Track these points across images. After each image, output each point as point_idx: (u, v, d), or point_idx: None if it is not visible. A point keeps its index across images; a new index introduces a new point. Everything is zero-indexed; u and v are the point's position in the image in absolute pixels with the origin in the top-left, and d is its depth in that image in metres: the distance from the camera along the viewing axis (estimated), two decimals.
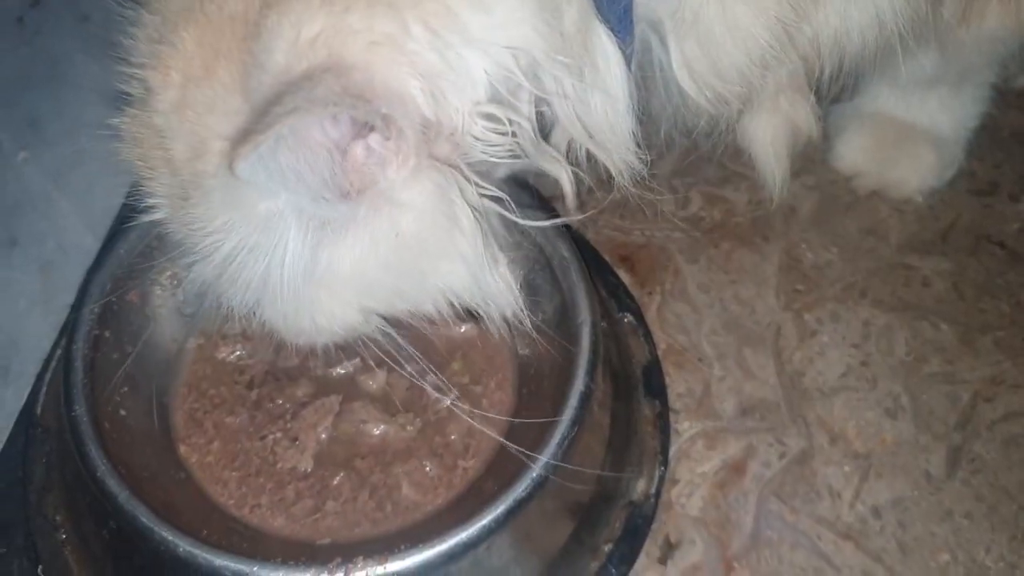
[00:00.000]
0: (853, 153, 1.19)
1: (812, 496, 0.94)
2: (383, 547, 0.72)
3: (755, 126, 0.87)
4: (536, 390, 0.88)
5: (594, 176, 0.75)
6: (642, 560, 0.88)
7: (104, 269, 0.86)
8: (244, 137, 0.57)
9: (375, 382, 0.89)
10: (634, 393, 0.97)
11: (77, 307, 0.85)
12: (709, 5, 0.70)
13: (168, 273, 0.88)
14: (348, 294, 0.69)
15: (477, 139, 0.65)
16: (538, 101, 0.68)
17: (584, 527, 0.84)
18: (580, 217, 0.79)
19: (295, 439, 0.86)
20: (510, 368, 0.91)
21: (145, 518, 0.72)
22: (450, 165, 0.65)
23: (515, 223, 0.74)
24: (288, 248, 0.66)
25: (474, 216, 0.67)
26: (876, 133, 1.18)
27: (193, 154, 0.64)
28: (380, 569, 0.71)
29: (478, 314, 0.77)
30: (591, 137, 0.72)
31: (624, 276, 1.09)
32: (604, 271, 1.08)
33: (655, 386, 0.98)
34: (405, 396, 0.89)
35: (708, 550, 0.90)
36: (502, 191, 0.70)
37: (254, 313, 0.71)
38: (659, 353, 1.02)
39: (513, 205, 0.72)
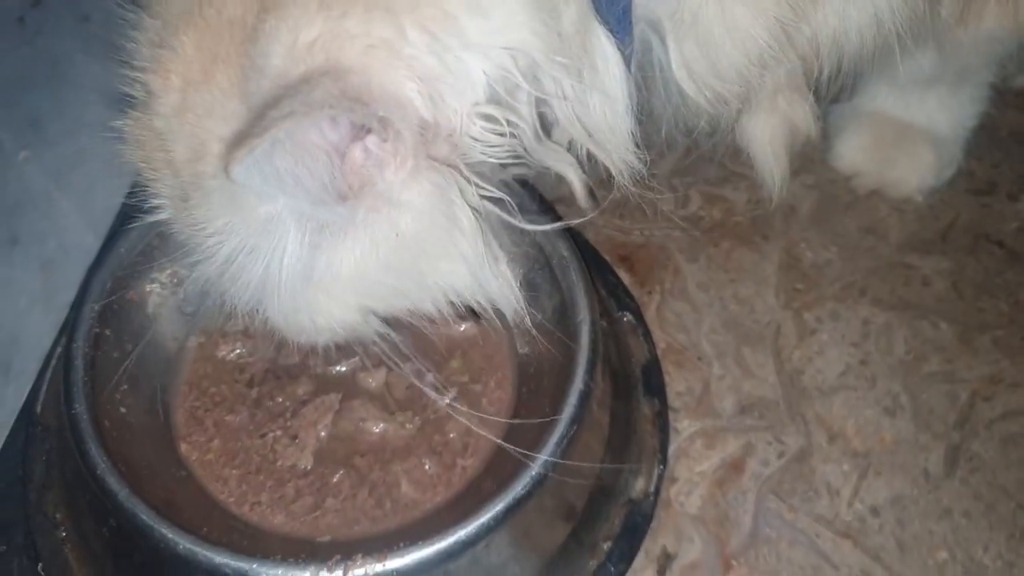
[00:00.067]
0: (852, 153, 1.19)
1: (811, 494, 0.94)
2: (382, 545, 0.72)
3: (754, 126, 0.87)
4: (536, 389, 0.88)
5: (594, 176, 0.76)
6: (641, 558, 0.88)
7: (105, 268, 0.87)
8: (240, 140, 0.57)
9: (375, 380, 0.89)
10: (633, 392, 0.97)
11: (78, 305, 0.85)
12: (708, 6, 0.70)
13: (168, 272, 0.89)
14: (348, 295, 0.70)
15: (476, 140, 0.65)
16: (538, 102, 0.68)
17: (583, 525, 0.84)
18: (581, 220, 0.79)
19: (295, 437, 0.86)
20: (510, 367, 0.92)
21: (145, 516, 0.72)
22: (449, 166, 0.65)
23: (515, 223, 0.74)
24: (287, 250, 0.66)
25: (474, 216, 0.68)
26: (875, 133, 1.18)
27: (193, 156, 0.64)
28: (379, 567, 0.71)
29: (478, 313, 0.77)
30: (591, 137, 0.72)
31: (624, 275, 1.09)
32: (604, 270, 1.08)
33: (654, 385, 0.99)
34: (405, 394, 0.89)
35: (707, 548, 0.90)
36: (503, 192, 0.71)
37: (256, 312, 0.71)
38: (658, 352, 1.02)
39: (514, 206, 0.72)
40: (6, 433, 0.94)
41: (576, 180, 0.74)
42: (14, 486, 0.88)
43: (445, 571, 0.73)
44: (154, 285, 0.89)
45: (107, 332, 0.84)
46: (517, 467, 0.76)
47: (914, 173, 1.17)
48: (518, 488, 0.74)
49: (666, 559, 0.89)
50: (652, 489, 0.91)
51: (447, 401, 0.87)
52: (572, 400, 0.79)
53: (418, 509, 0.82)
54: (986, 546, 0.91)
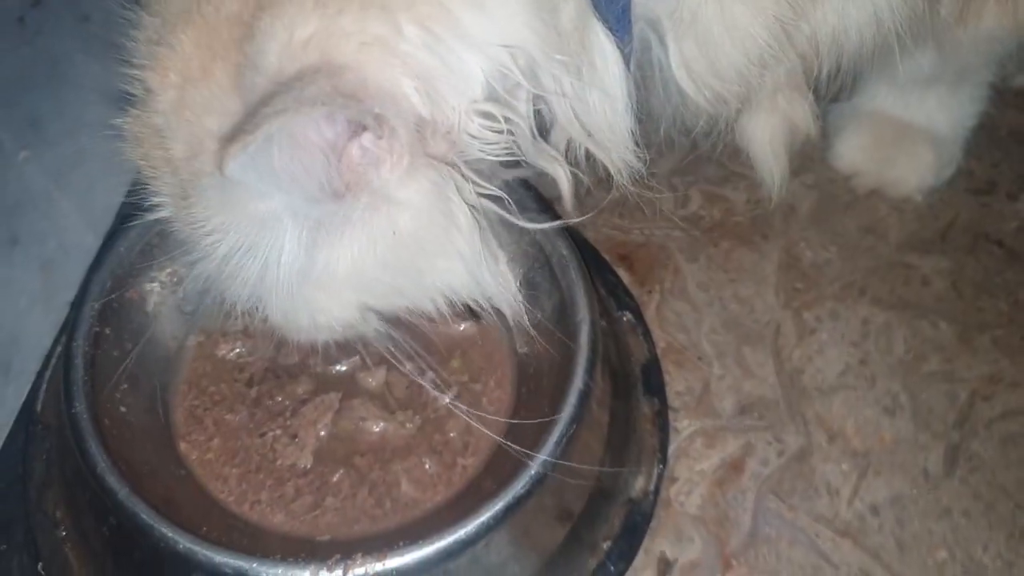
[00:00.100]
0: (852, 152, 1.19)
1: (810, 494, 0.94)
2: (382, 544, 0.72)
3: (753, 125, 0.87)
4: (535, 388, 0.88)
5: (593, 175, 0.76)
6: (640, 558, 0.88)
7: (104, 267, 0.87)
8: (233, 137, 0.57)
9: (375, 379, 0.89)
10: (633, 391, 0.97)
11: (77, 304, 0.85)
12: (707, 5, 0.70)
13: (168, 271, 0.89)
14: (346, 292, 0.70)
15: (474, 137, 0.65)
16: (536, 100, 0.68)
17: (583, 524, 0.84)
18: (580, 219, 0.79)
19: (295, 436, 0.86)
20: (509, 366, 0.92)
21: (145, 514, 0.72)
22: (447, 163, 0.65)
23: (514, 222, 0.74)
24: (285, 248, 0.66)
25: (471, 214, 0.68)
26: (875, 132, 1.18)
27: (191, 154, 0.64)
28: (379, 566, 0.71)
29: (478, 312, 0.77)
30: (590, 136, 0.72)
31: (623, 275, 1.09)
32: (603, 270, 1.08)
33: (654, 384, 0.99)
34: (404, 394, 0.89)
35: (707, 548, 0.90)
36: (502, 191, 0.71)
37: (255, 310, 0.72)
38: (658, 351, 1.02)
39: (512, 205, 0.72)
40: (6, 432, 0.94)
41: (565, 182, 0.74)
42: (14, 485, 0.88)
43: (445, 570, 0.73)
44: (154, 284, 0.89)
45: (107, 331, 0.84)
46: (517, 466, 0.76)
47: (914, 172, 1.17)
48: (518, 487, 0.74)
49: (666, 561, 0.89)
50: (652, 488, 0.91)
51: (448, 399, 0.87)
52: (572, 399, 0.79)
53: (418, 508, 0.82)
54: (985, 545, 0.91)
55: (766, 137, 0.87)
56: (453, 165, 0.66)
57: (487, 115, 0.65)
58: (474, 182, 0.67)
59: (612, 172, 0.74)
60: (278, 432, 0.86)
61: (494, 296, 0.74)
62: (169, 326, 0.90)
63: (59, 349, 0.95)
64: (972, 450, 0.97)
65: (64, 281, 1.04)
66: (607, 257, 1.11)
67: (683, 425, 0.98)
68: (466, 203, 0.67)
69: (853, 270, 1.11)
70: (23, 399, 0.96)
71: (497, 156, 0.67)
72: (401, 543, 0.71)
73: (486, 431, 0.84)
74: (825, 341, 1.05)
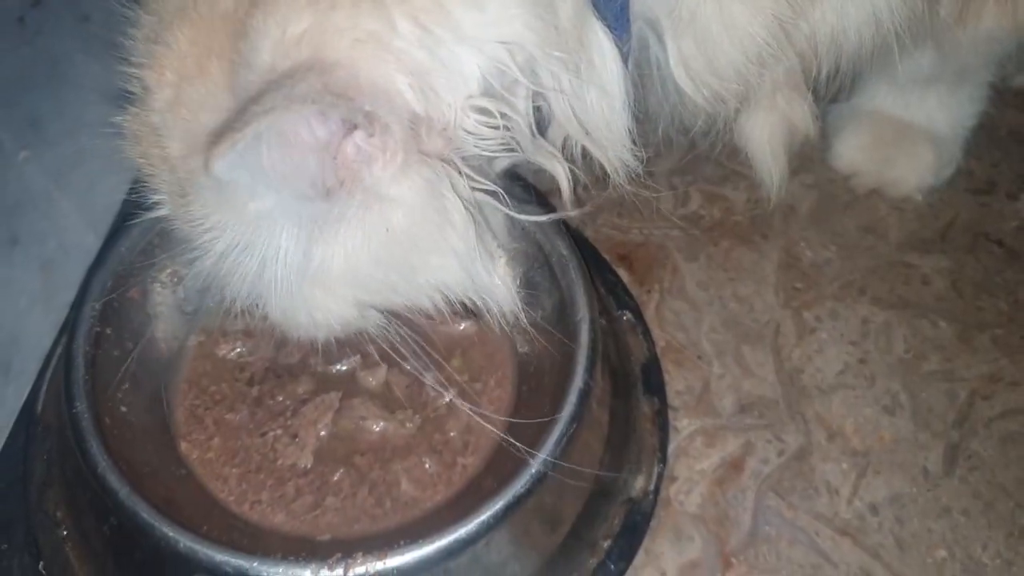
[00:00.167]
0: (851, 152, 1.19)
1: (810, 493, 0.94)
2: (382, 543, 0.72)
3: (752, 125, 0.87)
4: (535, 387, 0.88)
5: (590, 174, 0.76)
6: (640, 557, 0.88)
7: (105, 267, 0.87)
8: (221, 135, 0.57)
9: (375, 379, 0.89)
10: (633, 391, 0.97)
11: (78, 304, 0.85)
12: (706, 3, 0.70)
13: (169, 271, 0.89)
14: (343, 289, 0.70)
15: (469, 133, 0.65)
16: (535, 96, 0.68)
17: (583, 524, 0.84)
18: (576, 213, 0.79)
19: (295, 436, 0.86)
20: (510, 365, 0.92)
21: (146, 514, 0.72)
22: (442, 160, 0.65)
23: (512, 219, 0.74)
24: (280, 246, 0.66)
25: (466, 211, 0.68)
26: (874, 132, 1.18)
27: (187, 151, 0.64)
28: (380, 565, 0.71)
29: (477, 311, 0.77)
30: (587, 134, 0.72)
31: (623, 274, 1.09)
32: (603, 269, 1.08)
33: (654, 383, 0.99)
34: (405, 393, 0.89)
35: (706, 546, 0.90)
36: (498, 186, 0.71)
37: (255, 308, 0.72)
38: (658, 351, 1.02)
39: (508, 199, 0.72)
40: (7, 432, 0.94)
41: (563, 178, 0.74)
42: (15, 485, 0.88)
43: (445, 569, 0.73)
44: (155, 284, 0.89)
45: (108, 331, 0.84)
46: (517, 465, 0.76)
47: (913, 172, 1.17)
48: (518, 486, 0.74)
49: (666, 557, 0.89)
50: (652, 488, 0.91)
51: (449, 397, 0.87)
52: (572, 398, 0.79)
53: (418, 507, 0.82)
54: (985, 544, 0.91)
55: (765, 137, 0.87)
56: (448, 161, 0.66)
57: (483, 111, 0.65)
58: (469, 177, 0.67)
59: (609, 171, 0.74)
60: (278, 432, 0.87)
61: (488, 293, 0.74)
62: (170, 326, 0.90)
63: (59, 349, 0.95)
64: (971, 449, 0.97)
65: (64, 281, 1.04)
66: (607, 256, 1.11)
67: (683, 424, 0.98)
68: (461, 199, 0.67)
69: (853, 269, 1.11)
70: (23, 399, 0.96)
71: (494, 152, 0.67)
72: (401, 542, 0.72)
73: (487, 426, 0.84)
74: (825, 340, 1.05)
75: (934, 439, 0.98)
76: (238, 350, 0.92)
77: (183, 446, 0.86)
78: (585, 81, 0.69)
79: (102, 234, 1.09)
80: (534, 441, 0.77)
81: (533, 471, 0.75)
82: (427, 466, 0.84)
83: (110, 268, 0.87)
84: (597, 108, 0.71)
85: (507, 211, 0.73)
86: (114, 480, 0.74)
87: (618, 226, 1.14)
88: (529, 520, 0.78)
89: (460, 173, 0.67)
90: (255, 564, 0.70)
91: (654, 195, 1.05)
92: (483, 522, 0.73)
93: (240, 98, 0.60)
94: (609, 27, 0.69)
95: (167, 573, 0.75)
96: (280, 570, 0.70)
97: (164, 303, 0.90)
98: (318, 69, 0.58)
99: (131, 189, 0.75)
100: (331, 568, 0.70)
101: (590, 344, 0.83)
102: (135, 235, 0.87)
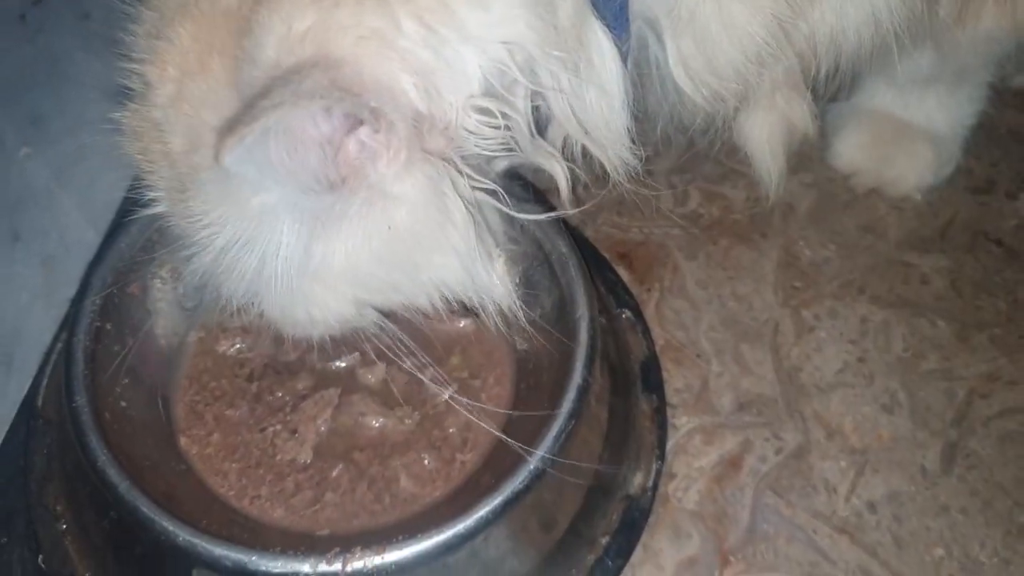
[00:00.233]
0: (851, 151, 1.19)
1: (808, 491, 0.94)
2: (381, 538, 0.72)
3: (751, 124, 0.87)
4: (534, 384, 0.88)
5: (590, 172, 0.76)
6: (639, 553, 0.88)
7: (105, 262, 0.87)
8: (231, 129, 0.57)
9: (374, 375, 0.89)
10: (632, 388, 0.97)
11: (78, 300, 0.86)
12: (705, 3, 0.70)
13: (169, 266, 0.89)
14: (342, 287, 0.70)
15: (471, 132, 0.65)
16: (534, 96, 0.68)
17: (581, 520, 0.84)
18: (575, 211, 0.79)
19: (295, 431, 0.86)
20: (509, 363, 0.92)
21: (146, 508, 0.72)
22: (443, 158, 0.66)
23: (512, 217, 0.74)
24: (282, 242, 0.66)
25: (467, 210, 0.68)
26: (874, 131, 1.18)
27: (189, 147, 0.65)
28: (378, 560, 0.71)
29: (477, 309, 0.77)
30: (587, 133, 0.72)
31: (623, 273, 1.10)
32: (603, 268, 1.08)
33: (653, 381, 0.99)
34: (404, 389, 0.89)
35: (704, 544, 0.90)
36: (498, 185, 0.71)
37: (252, 304, 0.72)
38: (657, 349, 1.02)
39: (508, 198, 0.72)
40: (7, 426, 0.95)
41: (562, 178, 0.74)
42: (15, 478, 0.88)
43: (444, 564, 0.73)
44: (155, 279, 0.89)
45: (108, 326, 0.84)
46: (516, 462, 0.76)
47: (913, 171, 1.17)
48: (516, 482, 0.75)
49: (664, 554, 0.89)
50: (650, 485, 0.91)
51: (448, 394, 0.87)
52: (571, 395, 0.79)
53: (417, 503, 0.83)
54: (983, 543, 0.91)
55: (764, 135, 0.87)
56: (449, 160, 0.66)
57: (484, 111, 0.65)
58: (470, 177, 0.68)
59: (608, 169, 0.75)
60: (278, 427, 0.87)
61: (489, 292, 0.74)
62: (170, 322, 0.90)
63: (60, 344, 0.96)
64: (970, 448, 0.97)
65: (65, 277, 1.05)
66: (606, 255, 1.11)
67: (682, 422, 0.98)
68: (462, 198, 0.67)
69: (852, 268, 1.12)
70: (24, 393, 0.97)
71: (494, 152, 0.67)
72: (400, 537, 0.72)
73: (484, 425, 0.85)
74: (824, 339, 1.06)
75: (932, 438, 0.98)
76: (238, 346, 0.92)
77: (183, 441, 0.86)
78: (584, 80, 0.69)
79: (102, 230, 1.09)
80: (533, 438, 0.77)
81: (532, 467, 0.75)
82: (426, 462, 0.85)
83: (110, 264, 0.87)
84: (596, 107, 0.71)
85: (507, 210, 0.73)
86: (114, 474, 0.74)
87: (618, 224, 1.15)
88: (527, 516, 0.78)
89: (461, 172, 0.67)
90: (254, 558, 0.70)
91: (653, 194, 1.05)
92: (481, 518, 0.73)
93: (244, 94, 0.60)
94: (608, 26, 0.69)
95: (167, 567, 0.75)
96: (279, 564, 0.70)
97: (164, 299, 0.90)
98: (323, 65, 0.59)
99: (131, 186, 0.75)
100: (329, 562, 0.71)
101: (589, 342, 0.83)
102: (135, 231, 0.88)
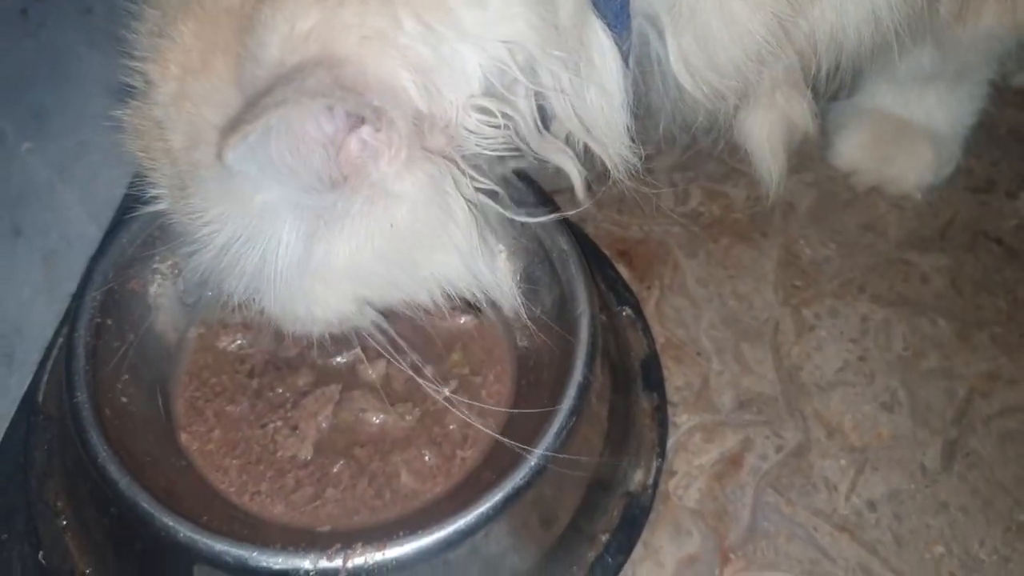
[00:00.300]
0: (851, 150, 1.19)
1: (809, 489, 0.94)
2: (382, 534, 0.72)
3: (751, 122, 0.87)
4: (535, 381, 0.88)
5: (591, 170, 0.76)
6: (639, 550, 0.89)
7: (106, 258, 0.87)
8: (233, 126, 0.57)
9: (375, 372, 0.89)
10: (632, 386, 0.97)
11: (79, 295, 0.86)
12: (706, 0, 0.70)
13: (170, 262, 0.89)
14: (343, 284, 0.70)
15: (471, 132, 0.65)
16: (537, 95, 0.68)
17: (582, 517, 0.84)
18: (576, 211, 0.79)
19: (295, 427, 0.86)
20: (509, 360, 0.92)
21: (146, 504, 0.72)
22: (444, 157, 0.66)
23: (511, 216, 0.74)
24: (283, 239, 0.66)
25: (468, 208, 0.68)
26: (874, 130, 1.18)
27: (190, 144, 0.65)
28: (379, 555, 0.71)
29: (477, 307, 0.78)
30: (588, 132, 0.72)
31: (623, 270, 1.10)
32: (603, 265, 1.08)
33: (653, 379, 0.99)
34: (404, 386, 0.89)
35: (705, 541, 0.91)
36: (499, 185, 0.71)
37: (252, 301, 0.72)
38: (658, 347, 1.02)
39: (508, 199, 0.72)
40: (8, 422, 0.95)
41: (575, 173, 0.74)
42: (16, 474, 0.88)
43: (444, 560, 0.73)
44: (155, 275, 0.89)
45: (108, 322, 0.84)
46: (516, 458, 0.76)
47: (913, 170, 1.17)
48: (517, 479, 0.75)
49: (664, 551, 0.89)
50: (651, 482, 0.91)
51: (446, 394, 0.87)
52: (571, 392, 0.79)
53: (417, 499, 0.83)
54: (982, 541, 0.91)
55: (764, 134, 0.87)
56: (451, 159, 0.66)
57: (484, 110, 0.65)
58: (471, 176, 0.68)
59: (609, 167, 0.74)
60: (279, 423, 0.87)
61: (490, 290, 0.74)
62: (170, 317, 0.90)
63: (61, 340, 0.96)
64: (970, 446, 0.97)
65: (66, 272, 1.05)
66: (607, 253, 1.11)
67: (682, 420, 0.99)
68: (463, 197, 0.67)
69: (852, 267, 1.12)
70: (25, 389, 0.96)
71: (495, 151, 0.67)
72: (400, 533, 0.72)
73: (484, 423, 0.85)
74: (824, 338, 1.06)
75: (932, 436, 0.98)
76: (238, 342, 0.92)
77: (183, 437, 0.86)
78: (585, 80, 0.69)
79: (104, 226, 1.09)
80: (533, 434, 0.77)
81: (532, 464, 0.75)
82: (426, 458, 0.85)
83: (111, 259, 0.87)
84: (597, 106, 0.71)
85: (508, 212, 0.73)
86: (114, 470, 0.74)
87: (618, 222, 1.15)
88: (528, 512, 0.78)
89: (462, 171, 0.67)
90: (255, 554, 0.70)
91: (654, 192, 1.05)
92: (482, 514, 0.73)
93: (247, 92, 0.60)
94: (609, 25, 0.69)
95: (167, 563, 0.75)
96: (280, 560, 0.71)
97: (165, 294, 0.90)
98: (327, 64, 0.59)
99: (133, 182, 0.75)
100: (330, 559, 0.71)
101: (590, 339, 0.83)
102: (136, 227, 0.87)
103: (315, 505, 0.82)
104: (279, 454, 0.85)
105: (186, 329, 0.92)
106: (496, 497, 0.73)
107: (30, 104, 1.23)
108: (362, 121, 0.62)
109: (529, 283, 0.89)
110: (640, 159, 0.75)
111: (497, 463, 0.81)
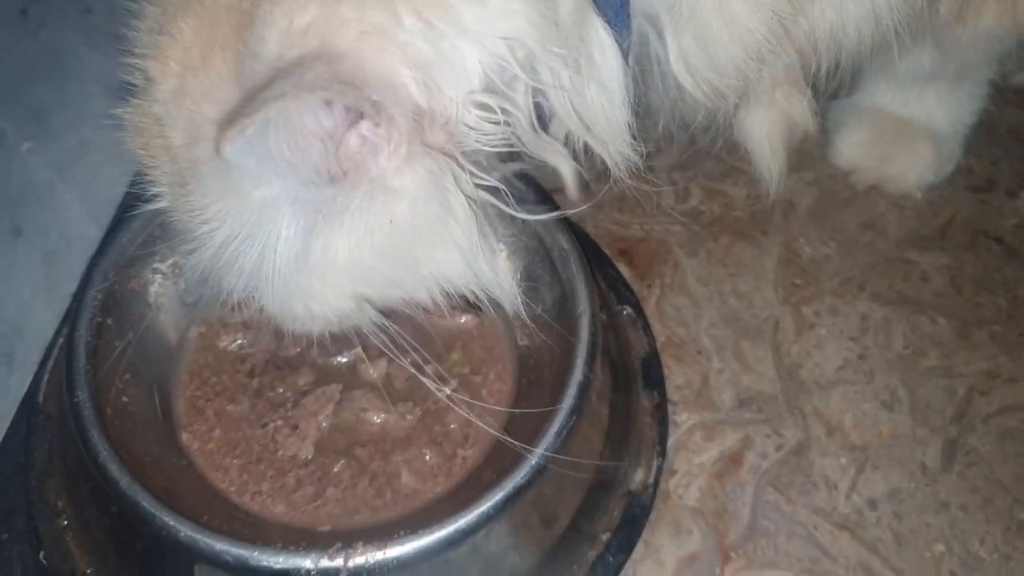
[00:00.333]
0: (851, 149, 1.20)
1: (809, 487, 0.94)
2: (383, 533, 0.72)
3: (751, 120, 0.87)
4: (535, 380, 0.88)
5: (591, 169, 0.76)
6: (640, 549, 0.89)
7: (106, 257, 0.87)
8: (232, 120, 0.57)
9: (376, 371, 0.89)
10: (633, 385, 0.97)
11: (79, 295, 0.86)
12: (706, 0, 0.70)
13: (170, 262, 0.89)
14: (342, 281, 0.70)
15: (471, 128, 0.65)
16: (535, 92, 0.68)
17: (582, 516, 0.84)
18: (577, 210, 0.79)
19: (296, 427, 0.86)
20: (510, 358, 0.92)
21: (147, 504, 0.72)
22: (444, 154, 0.66)
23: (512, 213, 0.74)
24: (282, 236, 0.66)
25: (468, 205, 0.68)
26: (874, 129, 1.18)
27: (190, 141, 0.65)
28: (380, 555, 0.71)
29: (478, 305, 0.77)
30: (588, 130, 0.72)
31: (623, 269, 1.10)
32: (604, 264, 1.08)
33: (654, 378, 0.99)
34: (405, 385, 0.89)
35: (705, 540, 0.91)
36: (500, 182, 0.71)
37: (251, 299, 0.72)
38: (658, 345, 1.02)
39: (510, 196, 0.72)
40: (9, 421, 0.94)
41: (569, 172, 0.74)
42: (16, 474, 0.88)
43: (445, 560, 0.73)
44: (156, 275, 0.89)
45: (109, 321, 0.84)
46: (517, 457, 0.76)
47: (913, 169, 1.17)
48: (518, 478, 0.75)
49: (665, 550, 0.89)
50: (651, 481, 0.91)
51: (447, 392, 0.87)
52: (572, 391, 0.79)
53: (418, 499, 0.83)
54: (982, 539, 0.91)
55: (764, 132, 0.87)
56: (451, 156, 0.66)
57: (484, 106, 0.65)
58: (472, 173, 0.67)
59: (610, 165, 0.74)
60: (279, 423, 0.87)
61: (490, 287, 0.74)
62: (171, 317, 0.90)
63: (61, 339, 0.96)
64: (970, 445, 0.97)
65: (67, 272, 1.05)
66: (607, 251, 1.11)
67: (682, 418, 0.99)
68: (463, 194, 0.67)
69: (852, 266, 1.12)
70: (25, 389, 0.96)
71: (495, 147, 0.67)
72: (401, 532, 0.72)
73: (483, 426, 0.85)
74: (824, 336, 1.06)
75: (932, 435, 0.98)
76: (239, 342, 0.92)
77: (184, 437, 0.86)
78: (585, 77, 0.69)
79: (104, 225, 1.09)
80: (534, 433, 0.77)
81: (533, 463, 0.75)
82: (427, 458, 0.85)
83: (111, 259, 0.87)
84: (597, 104, 0.71)
85: (508, 209, 0.73)
86: (115, 469, 0.74)
87: (619, 221, 1.15)
88: (528, 512, 0.78)
89: (462, 167, 0.67)
90: (256, 553, 0.71)
91: (655, 190, 1.05)
92: (483, 513, 0.73)
93: (246, 88, 0.60)
94: (609, 23, 0.69)
95: (168, 562, 0.75)
96: (280, 559, 0.71)
97: (165, 294, 0.90)
98: (326, 58, 0.59)
99: (133, 181, 0.75)
100: (331, 558, 0.71)
101: (590, 338, 0.83)
102: (136, 226, 0.88)
103: (316, 504, 0.82)
104: (280, 453, 0.85)
105: (187, 328, 0.92)
106: (497, 496, 0.74)
107: (30, 104, 1.23)
108: (361, 116, 0.62)
109: (529, 281, 0.89)
110: (641, 157, 0.75)
111: (498, 462, 0.81)
